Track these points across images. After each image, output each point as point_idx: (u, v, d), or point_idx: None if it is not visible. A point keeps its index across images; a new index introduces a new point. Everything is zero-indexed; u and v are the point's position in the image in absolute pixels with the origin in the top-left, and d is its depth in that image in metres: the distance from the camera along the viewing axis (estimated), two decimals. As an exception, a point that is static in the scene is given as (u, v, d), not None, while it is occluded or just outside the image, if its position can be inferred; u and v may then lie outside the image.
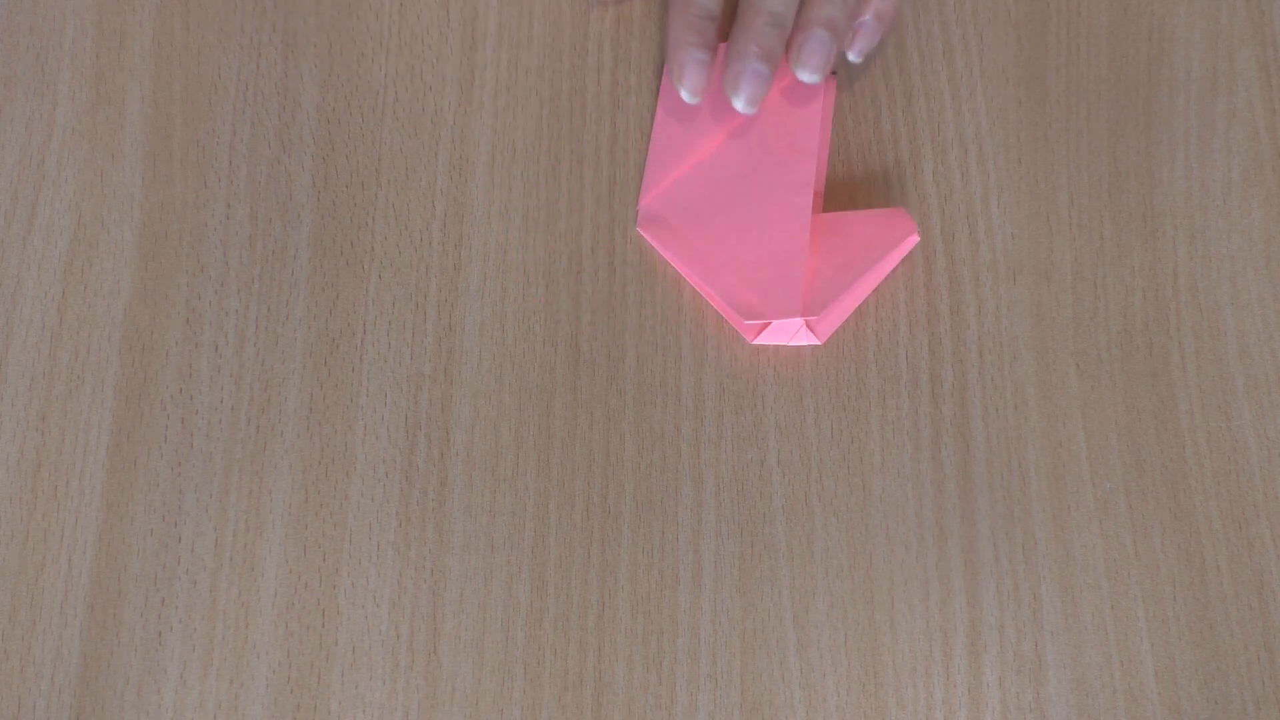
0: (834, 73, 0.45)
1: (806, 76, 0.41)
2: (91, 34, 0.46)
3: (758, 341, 0.42)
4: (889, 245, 0.41)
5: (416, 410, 0.42)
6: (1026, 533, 0.40)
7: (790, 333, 0.41)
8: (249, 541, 0.41)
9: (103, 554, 0.41)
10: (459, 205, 0.44)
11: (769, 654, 0.39)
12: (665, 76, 0.45)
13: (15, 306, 0.43)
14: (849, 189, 0.44)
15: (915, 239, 0.41)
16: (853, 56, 0.43)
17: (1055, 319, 0.42)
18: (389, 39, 0.46)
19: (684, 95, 0.42)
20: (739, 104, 0.41)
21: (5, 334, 0.43)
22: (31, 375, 0.42)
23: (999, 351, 0.42)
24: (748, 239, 0.42)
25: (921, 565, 0.40)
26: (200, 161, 0.45)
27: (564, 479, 0.41)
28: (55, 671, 0.40)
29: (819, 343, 0.42)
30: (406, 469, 0.41)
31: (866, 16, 0.42)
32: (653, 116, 0.45)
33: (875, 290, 0.43)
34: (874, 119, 0.45)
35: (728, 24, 0.44)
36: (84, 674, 0.40)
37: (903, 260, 0.43)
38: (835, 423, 0.41)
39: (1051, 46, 0.45)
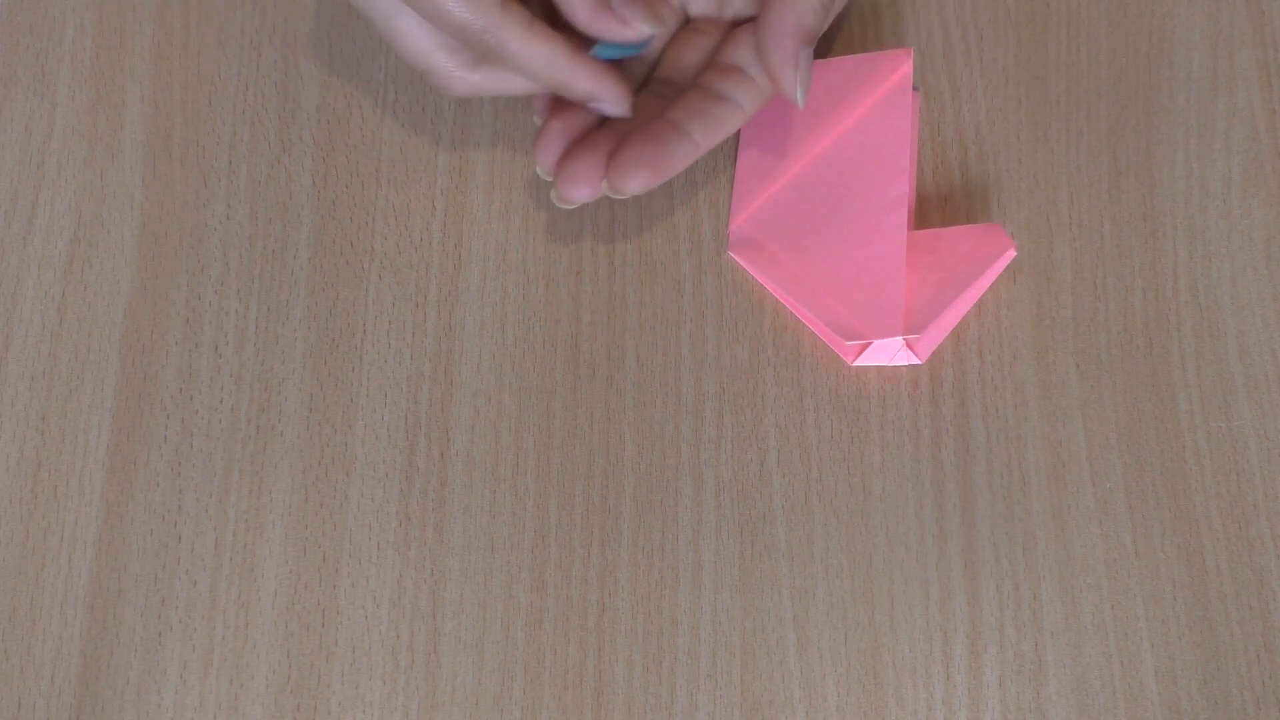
0: (917, 87, 0.45)
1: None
2: (91, 34, 0.46)
3: (858, 363, 0.42)
4: (986, 261, 0.41)
5: (416, 410, 0.42)
6: (1026, 533, 0.40)
7: (891, 353, 0.41)
8: (249, 541, 0.41)
9: (103, 554, 0.41)
10: (459, 205, 0.44)
11: (769, 654, 0.39)
12: None
13: (15, 306, 0.43)
14: (849, 189, 0.44)
15: (1012, 254, 0.41)
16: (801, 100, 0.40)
17: (1055, 319, 0.42)
18: (389, 39, 0.46)
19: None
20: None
21: (5, 334, 0.43)
22: (31, 375, 0.42)
23: (999, 351, 0.42)
24: (844, 259, 0.41)
25: (921, 565, 0.40)
26: (200, 161, 0.45)
27: (564, 479, 0.41)
28: (55, 671, 0.40)
29: (920, 362, 0.41)
30: (406, 469, 0.41)
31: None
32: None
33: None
34: (874, 119, 0.44)
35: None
36: (84, 674, 0.40)
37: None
38: (835, 423, 0.41)
39: (1051, 46, 0.45)
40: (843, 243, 0.42)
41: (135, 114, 0.45)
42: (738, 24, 0.42)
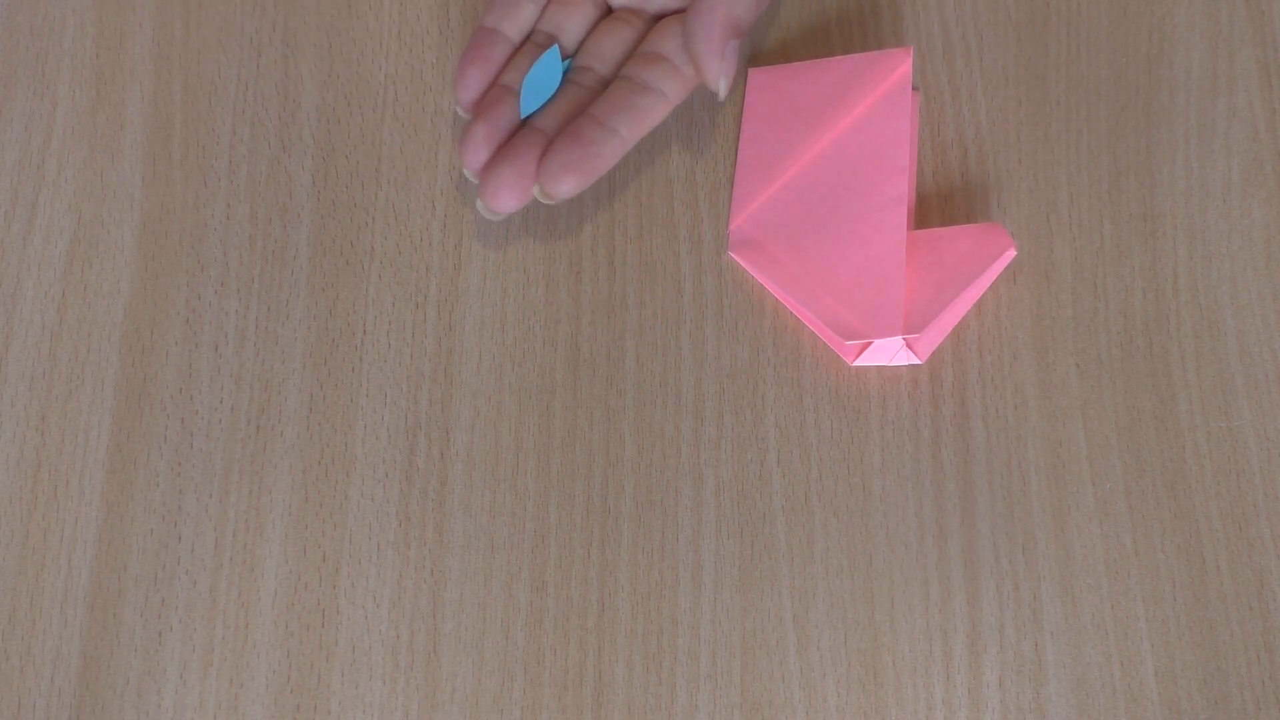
0: (916, 87, 0.45)
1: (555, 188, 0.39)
2: (91, 34, 0.46)
3: (858, 363, 0.42)
4: (986, 261, 0.40)
5: (416, 410, 0.42)
6: (1026, 533, 0.40)
7: (890, 353, 0.41)
8: (249, 541, 0.41)
9: (103, 554, 0.41)
10: (459, 205, 0.44)
11: (769, 654, 0.39)
12: (747, 98, 0.45)
13: (15, 306, 0.43)
14: (849, 189, 0.44)
15: (1012, 253, 0.41)
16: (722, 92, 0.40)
17: (1055, 319, 0.42)
18: (389, 39, 0.46)
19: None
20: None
21: (5, 334, 0.43)
22: (31, 375, 0.42)
23: (999, 351, 0.42)
24: (843, 258, 0.41)
25: (921, 565, 0.40)
26: (200, 161, 0.45)
27: (564, 479, 0.41)
28: (55, 671, 0.40)
29: (920, 361, 0.41)
30: (406, 469, 0.41)
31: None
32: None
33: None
34: (874, 119, 0.44)
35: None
36: (84, 674, 0.40)
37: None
38: (835, 423, 0.41)
39: (1051, 46, 0.45)
40: (842, 242, 0.42)
41: (135, 114, 0.45)
42: (661, 17, 0.42)
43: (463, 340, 0.43)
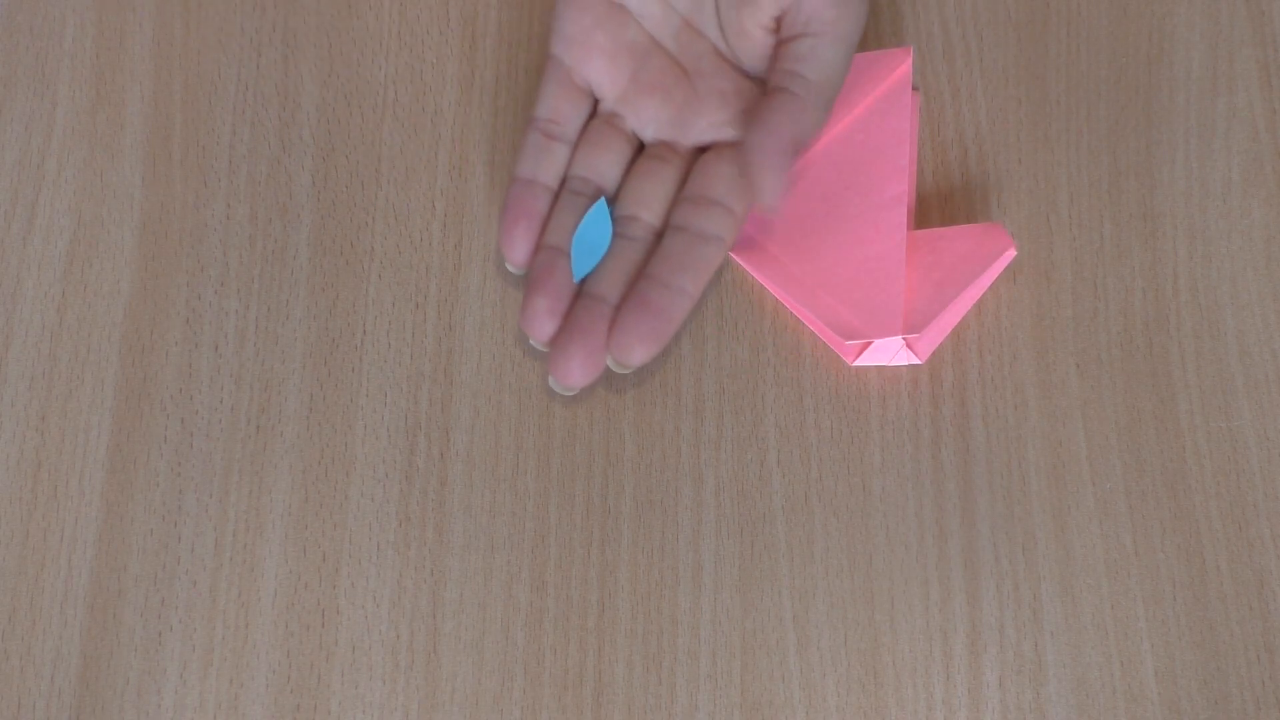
0: (916, 87, 0.45)
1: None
2: (91, 34, 0.46)
3: (858, 363, 0.42)
4: (986, 261, 0.40)
5: (416, 410, 0.42)
6: (1026, 533, 0.40)
7: (890, 353, 0.41)
8: (249, 541, 0.41)
9: (103, 554, 0.41)
10: (459, 205, 0.44)
11: (769, 654, 0.39)
12: None
13: (15, 306, 0.43)
14: (849, 189, 0.44)
15: (1012, 253, 0.40)
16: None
17: (1055, 319, 0.42)
18: (389, 39, 0.46)
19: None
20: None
21: (5, 334, 0.43)
22: (31, 375, 0.42)
23: (999, 351, 0.42)
24: (843, 258, 0.41)
25: (921, 565, 0.40)
26: (200, 161, 0.45)
27: (564, 479, 0.41)
28: (55, 671, 0.40)
29: (920, 361, 0.41)
30: (406, 469, 0.41)
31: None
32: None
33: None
34: (874, 119, 0.44)
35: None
36: (84, 674, 0.40)
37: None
38: (835, 423, 0.41)
39: (1051, 46, 0.45)
40: (842, 242, 0.42)
41: (135, 114, 0.45)
42: (700, 150, 0.40)
43: (463, 340, 0.43)
